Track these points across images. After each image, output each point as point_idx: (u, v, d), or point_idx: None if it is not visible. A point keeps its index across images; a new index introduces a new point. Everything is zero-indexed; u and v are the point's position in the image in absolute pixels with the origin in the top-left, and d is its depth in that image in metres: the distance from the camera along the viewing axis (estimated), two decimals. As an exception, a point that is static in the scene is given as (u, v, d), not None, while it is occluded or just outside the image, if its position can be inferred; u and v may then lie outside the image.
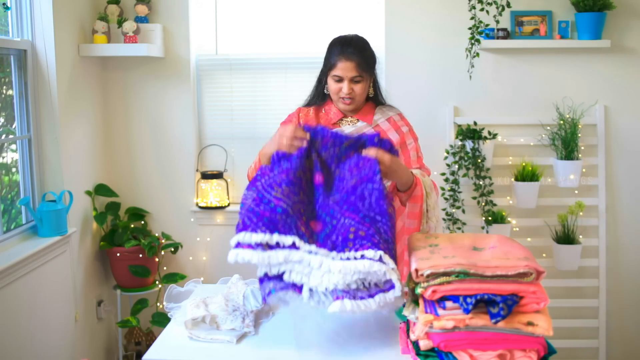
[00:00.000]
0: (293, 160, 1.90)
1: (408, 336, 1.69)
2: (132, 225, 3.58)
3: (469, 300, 1.50)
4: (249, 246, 1.70)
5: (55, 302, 3.00)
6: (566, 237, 3.47)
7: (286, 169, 1.88)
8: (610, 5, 3.34)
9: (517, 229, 3.57)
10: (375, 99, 2.45)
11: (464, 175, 3.47)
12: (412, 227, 2.17)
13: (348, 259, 1.68)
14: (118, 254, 3.42)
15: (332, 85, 2.34)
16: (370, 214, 1.78)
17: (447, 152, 3.50)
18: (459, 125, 3.53)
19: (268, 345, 1.80)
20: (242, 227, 1.74)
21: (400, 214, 2.23)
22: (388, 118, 2.43)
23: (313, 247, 1.72)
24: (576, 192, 3.56)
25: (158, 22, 3.53)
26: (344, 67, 2.28)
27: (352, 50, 2.29)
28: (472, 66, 3.35)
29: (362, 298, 1.66)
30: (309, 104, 2.48)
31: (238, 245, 1.72)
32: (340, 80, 2.31)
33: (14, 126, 3.00)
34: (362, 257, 1.66)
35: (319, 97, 2.45)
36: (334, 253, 1.71)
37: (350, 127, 2.38)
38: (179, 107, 3.61)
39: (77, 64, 3.29)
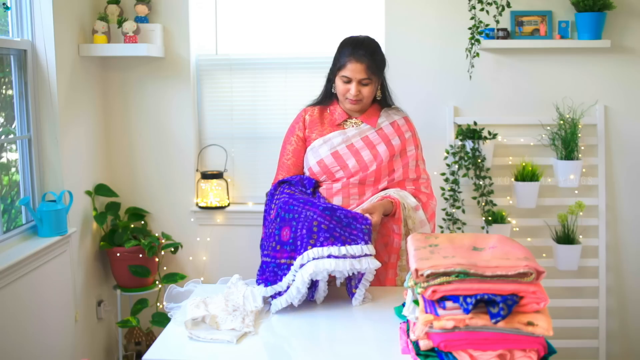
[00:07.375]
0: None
1: (408, 336, 1.70)
2: (132, 225, 3.58)
3: (469, 300, 1.50)
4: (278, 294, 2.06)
5: (55, 302, 3.00)
6: (566, 237, 3.47)
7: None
8: (610, 5, 3.34)
9: (517, 229, 3.57)
10: (382, 101, 2.44)
11: (464, 175, 3.47)
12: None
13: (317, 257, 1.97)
14: (118, 254, 3.42)
15: (339, 86, 2.33)
16: (328, 205, 2.08)
17: (447, 152, 3.50)
18: (459, 125, 3.53)
19: (268, 345, 1.80)
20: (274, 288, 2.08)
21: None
22: (392, 122, 2.42)
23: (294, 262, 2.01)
24: (576, 192, 3.56)
25: (158, 22, 3.53)
26: (354, 69, 2.27)
27: (362, 52, 2.27)
28: (472, 66, 3.35)
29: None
30: (317, 103, 2.48)
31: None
32: (348, 81, 2.29)
33: (14, 126, 3.00)
34: (330, 256, 1.95)
35: (328, 96, 2.45)
36: (305, 254, 1.97)
37: (353, 130, 2.37)
38: (179, 107, 3.61)
39: (77, 64, 3.29)
